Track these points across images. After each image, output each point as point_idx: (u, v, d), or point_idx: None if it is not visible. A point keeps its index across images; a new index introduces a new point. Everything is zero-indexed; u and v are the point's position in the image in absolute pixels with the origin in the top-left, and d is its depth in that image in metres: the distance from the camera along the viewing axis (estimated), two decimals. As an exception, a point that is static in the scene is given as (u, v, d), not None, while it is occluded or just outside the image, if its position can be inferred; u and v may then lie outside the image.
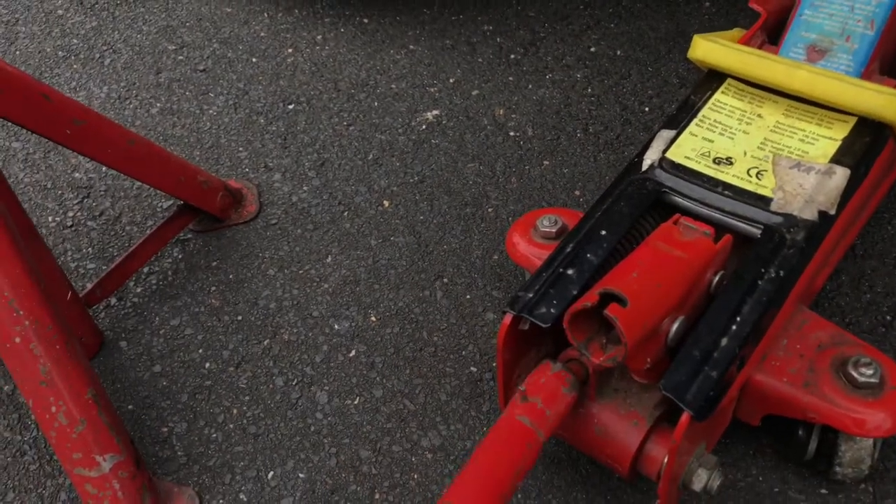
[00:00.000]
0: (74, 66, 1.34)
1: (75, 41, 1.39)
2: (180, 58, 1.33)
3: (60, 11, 1.46)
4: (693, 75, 1.18)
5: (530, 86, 1.20)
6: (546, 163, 1.09)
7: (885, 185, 0.80)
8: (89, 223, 1.08)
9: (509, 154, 1.11)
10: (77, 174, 1.15)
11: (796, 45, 0.73)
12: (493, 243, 1.00)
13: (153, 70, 1.31)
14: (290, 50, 1.32)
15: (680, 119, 0.74)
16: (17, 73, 0.78)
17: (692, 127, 0.73)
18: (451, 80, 1.23)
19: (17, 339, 0.69)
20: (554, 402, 0.61)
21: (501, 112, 1.17)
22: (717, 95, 0.75)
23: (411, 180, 1.09)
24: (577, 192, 1.05)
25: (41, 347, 0.69)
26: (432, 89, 1.22)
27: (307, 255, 1.02)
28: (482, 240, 1.01)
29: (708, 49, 0.74)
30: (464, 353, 0.89)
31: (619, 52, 1.23)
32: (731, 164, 0.68)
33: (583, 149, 1.10)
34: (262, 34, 1.36)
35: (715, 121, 0.73)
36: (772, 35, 0.79)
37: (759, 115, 0.72)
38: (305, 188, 1.10)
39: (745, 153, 0.69)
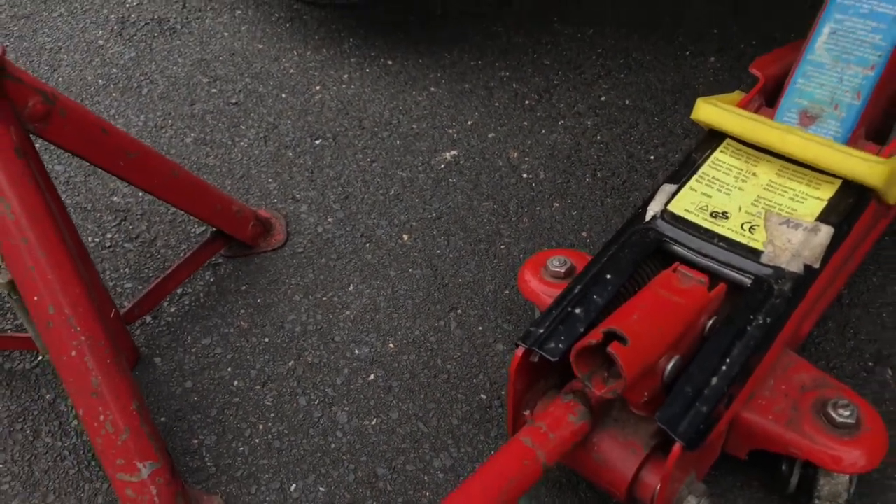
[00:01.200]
0: (113, 95, 1.42)
1: (115, 70, 1.48)
2: (214, 90, 1.41)
3: (101, 42, 1.55)
4: (696, 128, 1.25)
5: (543, 130, 1.28)
6: (556, 204, 1.16)
7: (868, 241, 0.87)
8: (126, 245, 1.16)
9: (522, 195, 1.18)
10: (115, 198, 1.23)
11: (790, 110, 0.80)
12: (505, 278, 1.07)
13: (188, 101, 1.39)
14: (317, 87, 1.40)
15: (682, 174, 0.81)
16: (80, 107, 0.86)
17: (692, 182, 0.80)
18: (469, 123, 1.31)
19: (73, 353, 0.76)
20: (558, 427, 0.67)
21: (515, 154, 1.25)
22: (717, 154, 0.82)
23: (429, 216, 1.16)
24: (584, 234, 1.12)
25: (94, 361, 0.76)
26: (451, 130, 1.30)
27: (331, 283, 1.09)
28: (494, 275, 1.08)
29: (709, 112, 0.82)
30: (475, 381, 0.96)
31: (627, 102, 1.31)
32: (727, 218, 0.75)
33: (591, 193, 1.17)
34: (292, 71, 1.44)
35: (713, 177, 0.80)
36: (769, 98, 0.86)
37: (754, 174, 0.79)
38: (330, 220, 1.17)
39: (739, 208, 0.76)
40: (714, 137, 0.84)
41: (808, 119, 0.78)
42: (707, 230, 0.75)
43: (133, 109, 1.39)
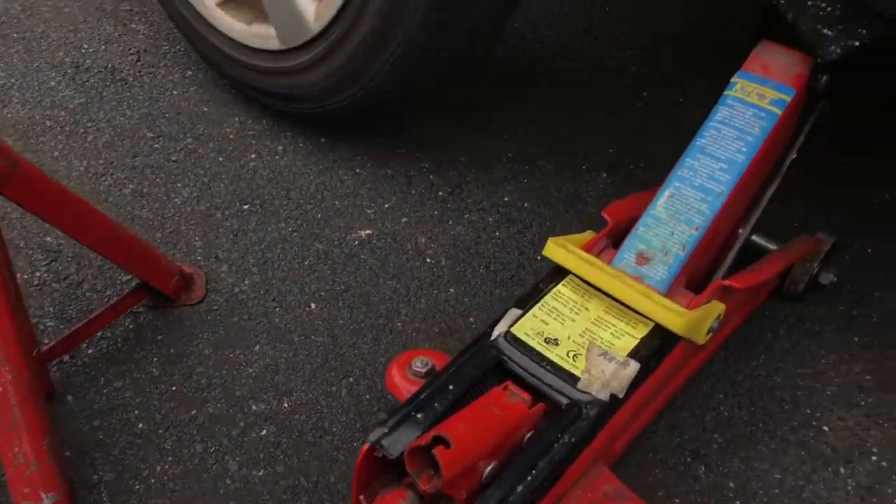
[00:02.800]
0: (59, 137, 1.52)
1: (63, 113, 1.58)
2: (157, 146, 1.53)
3: (53, 83, 1.65)
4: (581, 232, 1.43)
5: (451, 221, 1.44)
6: (451, 290, 1.32)
7: (681, 373, 1.04)
8: (54, 284, 1.25)
9: (423, 278, 1.33)
10: (48, 238, 1.32)
11: (630, 251, 0.97)
12: (396, 353, 1.21)
13: (131, 153, 1.50)
14: (253, 155, 1.53)
15: (528, 301, 0.95)
16: (26, 162, 0.97)
17: (535, 310, 0.94)
18: (386, 206, 1.46)
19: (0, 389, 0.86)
20: None
21: (423, 240, 1.40)
22: (559, 287, 0.97)
23: (338, 288, 1.30)
24: (472, 319, 1.27)
25: (16, 398, 0.86)
26: (369, 211, 1.45)
27: (239, 341, 1.21)
28: (388, 349, 1.22)
29: (556, 252, 0.96)
30: (355, 444, 1.08)
31: (526, 205, 1.48)
32: (557, 345, 0.90)
33: (483, 283, 1.33)
34: (231, 137, 1.57)
35: (553, 307, 0.94)
36: (615, 241, 1.04)
37: (586, 308, 0.94)
38: (247, 282, 1.30)
39: (569, 337, 0.91)
40: (560, 271, 0.98)
41: (643, 260, 0.95)
42: (539, 354, 0.89)
43: (76, 154, 1.49)
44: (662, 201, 1.00)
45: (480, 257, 1.38)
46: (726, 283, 0.94)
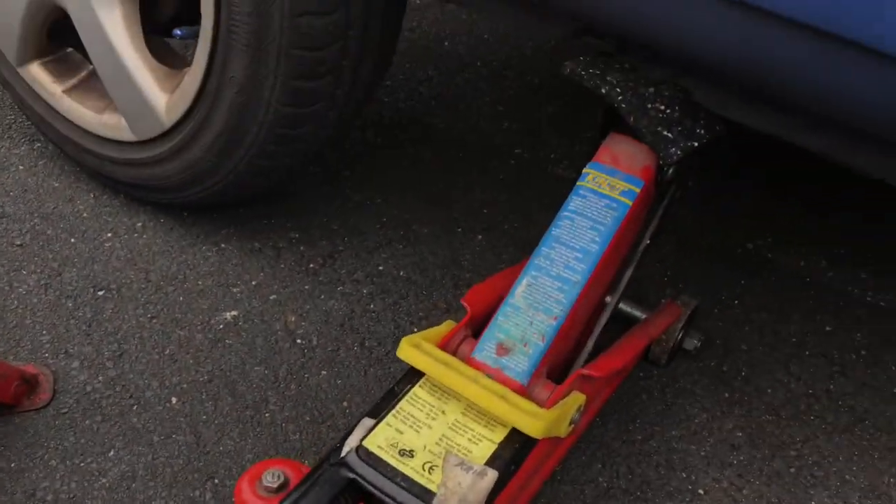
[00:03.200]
0: None
1: None
2: (-1, 229, 1.41)
3: None
4: (458, 301, 1.41)
5: (322, 296, 1.39)
6: (324, 373, 1.26)
7: (547, 466, 1.02)
8: None
9: (293, 361, 1.27)
10: None
11: (490, 341, 0.94)
12: (264, 448, 1.14)
13: (-31, 239, 1.38)
14: (109, 234, 1.44)
15: (381, 408, 0.90)
16: None
17: (389, 418, 0.89)
18: (254, 283, 1.39)
19: None
20: None
21: (293, 319, 1.34)
22: (415, 389, 0.92)
23: (201, 378, 1.23)
24: (346, 404, 1.22)
25: None
26: (235, 289, 1.38)
27: (91, 447, 1.11)
28: (255, 444, 1.15)
29: (410, 353, 0.91)
30: (219, 557, 1.01)
31: (402, 273, 1.45)
32: (412, 457, 0.84)
33: (357, 362, 1.29)
34: (85, 214, 1.47)
35: (409, 413, 0.89)
36: (475, 330, 1.01)
37: (443, 412, 0.90)
38: (101, 378, 1.20)
39: (424, 447, 0.86)
40: (416, 372, 0.93)
41: (503, 350, 0.93)
42: (392, 469, 0.84)
43: None
44: (521, 290, 0.98)
45: (354, 333, 1.33)
46: (585, 372, 0.92)
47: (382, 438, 0.87)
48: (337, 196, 1.58)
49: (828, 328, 1.44)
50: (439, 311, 1.39)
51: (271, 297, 1.37)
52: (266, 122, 1.19)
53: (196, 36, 1.19)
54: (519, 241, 1.54)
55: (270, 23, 1.08)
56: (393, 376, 1.28)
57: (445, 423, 0.89)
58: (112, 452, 1.11)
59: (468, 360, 0.95)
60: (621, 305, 1.19)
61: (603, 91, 1.01)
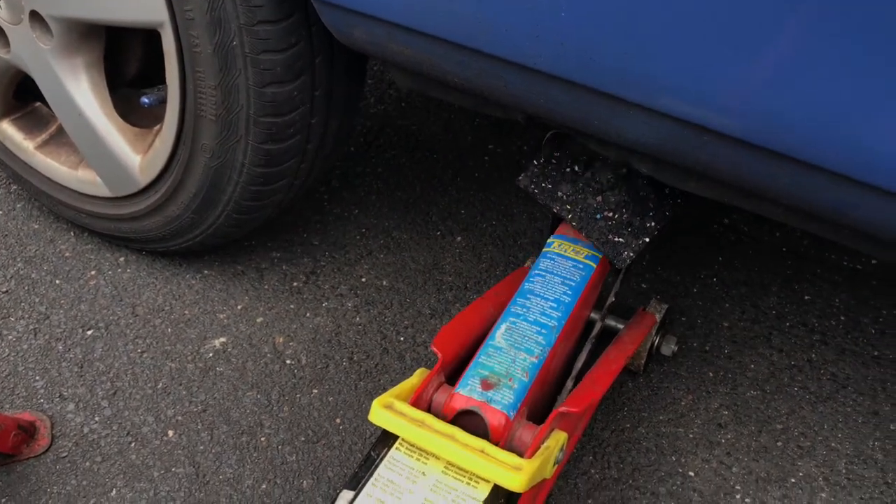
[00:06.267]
0: None
1: None
2: (-16, 278, 1.43)
3: None
4: (443, 305, 1.43)
5: (308, 314, 1.41)
6: (315, 391, 1.29)
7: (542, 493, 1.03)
8: None
9: (284, 382, 1.30)
10: None
11: (473, 378, 0.95)
12: (263, 473, 1.17)
13: (-45, 290, 1.40)
14: (93, 272, 1.46)
15: (360, 478, 0.87)
16: None
17: (368, 487, 0.86)
18: (239, 307, 1.41)
19: None
20: None
21: (281, 340, 1.36)
22: (392, 452, 0.89)
23: (195, 409, 1.25)
24: (338, 421, 1.25)
25: None
26: (221, 315, 1.40)
27: (93, 489, 1.14)
28: (253, 469, 1.18)
29: (382, 417, 0.88)
30: (227, 585, 1.04)
31: (384, 283, 1.47)
32: None
33: (346, 377, 1.31)
34: (67, 254, 1.49)
35: (388, 480, 0.87)
36: (449, 376, 0.99)
37: (423, 474, 0.87)
38: (97, 418, 1.23)
39: None
40: (391, 434, 0.91)
41: (488, 385, 0.94)
42: None
43: None
44: (501, 332, 1.02)
45: (342, 348, 1.36)
46: (564, 409, 0.92)
47: None
48: (315, 211, 1.59)
49: (807, 297, 1.46)
50: (424, 318, 1.41)
51: (258, 320, 1.39)
52: (241, 181, 1.20)
53: (163, 101, 1.20)
54: (498, 240, 1.56)
55: (237, 94, 1.09)
56: (383, 387, 1.30)
57: (427, 486, 0.86)
58: (114, 492, 1.14)
59: (450, 399, 0.94)
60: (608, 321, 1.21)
61: (555, 209, 1.10)
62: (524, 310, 1.05)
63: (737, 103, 0.80)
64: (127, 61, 1.34)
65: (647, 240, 1.09)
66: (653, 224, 1.10)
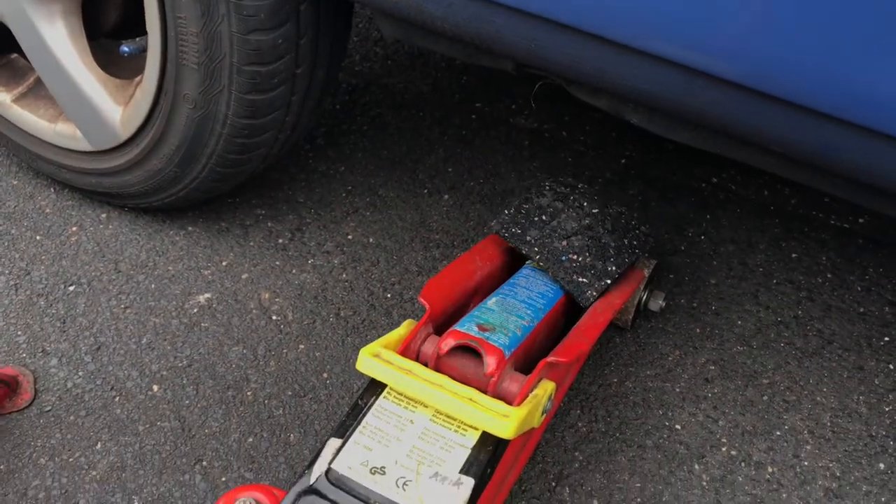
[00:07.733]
0: None
1: None
2: (-38, 233, 1.40)
3: None
4: (430, 262, 1.42)
5: (294, 270, 1.40)
6: (301, 346, 1.28)
7: (524, 454, 1.02)
8: None
9: (270, 338, 1.29)
10: None
11: (470, 322, 0.96)
12: (249, 426, 1.16)
13: (-67, 246, 1.37)
14: (74, 228, 1.44)
15: (347, 426, 0.85)
16: None
17: (356, 435, 0.84)
18: (224, 263, 1.40)
19: None
20: None
21: (267, 296, 1.35)
22: (380, 401, 0.87)
23: (180, 364, 1.24)
24: (325, 375, 1.24)
25: None
26: (206, 272, 1.38)
27: (78, 442, 1.13)
28: (240, 423, 1.17)
29: (368, 365, 0.87)
30: (214, 536, 1.04)
31: (371, 240, 1.46)
32: (384, 474, 0.80)
33: (333, 333, 1.30)
34: (48, 210, 1.46)
35: (376, 428, 0.85)
36: (437, 327, 0.98)
37: (411, 422, 0.85)
38: (81, 373, 1.21)
39: (396, 462, 0.81)
40: (379, 382, 0.90)
41: (484, 329, 0.94)
42: (366, 490, 0.79)
43: None
44: (493, 302, 1.04)
45: (329, 304, 1.35)
46: (552, 359, 0.92)
47: (352, 458, 0.83)
48: (301, 168, 1.57)
49: (794, 255, 1.46)
50: (411, 275, 1.40)
51: (243, 276, 1.38)
52: (224, 133, 1.17)
53: (144, 51, 1.16)
54: (485, 198, 1.54)
55: (220, 41, 1.06)
56: (369, 342, 1.29)
57: (415, 433, 0.85)
58: (99, 445, 1.13)
59: (447, 334, 0.93)
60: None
61: (524, 251, 1.14)
62: (512, 291, 1.08)
63: (731, 45, 0.78)
64: (106, 10, 1.30)
65: (609, 282, 1.13)
66: (614, 268, 1.14)
